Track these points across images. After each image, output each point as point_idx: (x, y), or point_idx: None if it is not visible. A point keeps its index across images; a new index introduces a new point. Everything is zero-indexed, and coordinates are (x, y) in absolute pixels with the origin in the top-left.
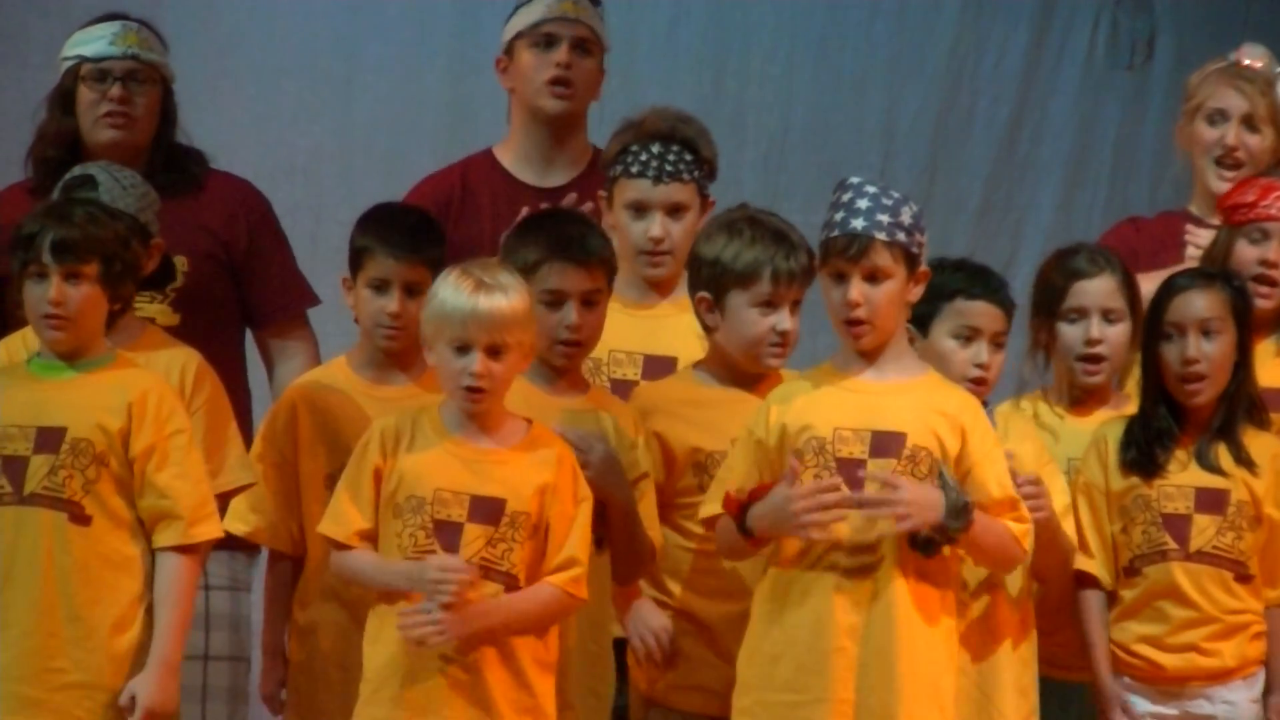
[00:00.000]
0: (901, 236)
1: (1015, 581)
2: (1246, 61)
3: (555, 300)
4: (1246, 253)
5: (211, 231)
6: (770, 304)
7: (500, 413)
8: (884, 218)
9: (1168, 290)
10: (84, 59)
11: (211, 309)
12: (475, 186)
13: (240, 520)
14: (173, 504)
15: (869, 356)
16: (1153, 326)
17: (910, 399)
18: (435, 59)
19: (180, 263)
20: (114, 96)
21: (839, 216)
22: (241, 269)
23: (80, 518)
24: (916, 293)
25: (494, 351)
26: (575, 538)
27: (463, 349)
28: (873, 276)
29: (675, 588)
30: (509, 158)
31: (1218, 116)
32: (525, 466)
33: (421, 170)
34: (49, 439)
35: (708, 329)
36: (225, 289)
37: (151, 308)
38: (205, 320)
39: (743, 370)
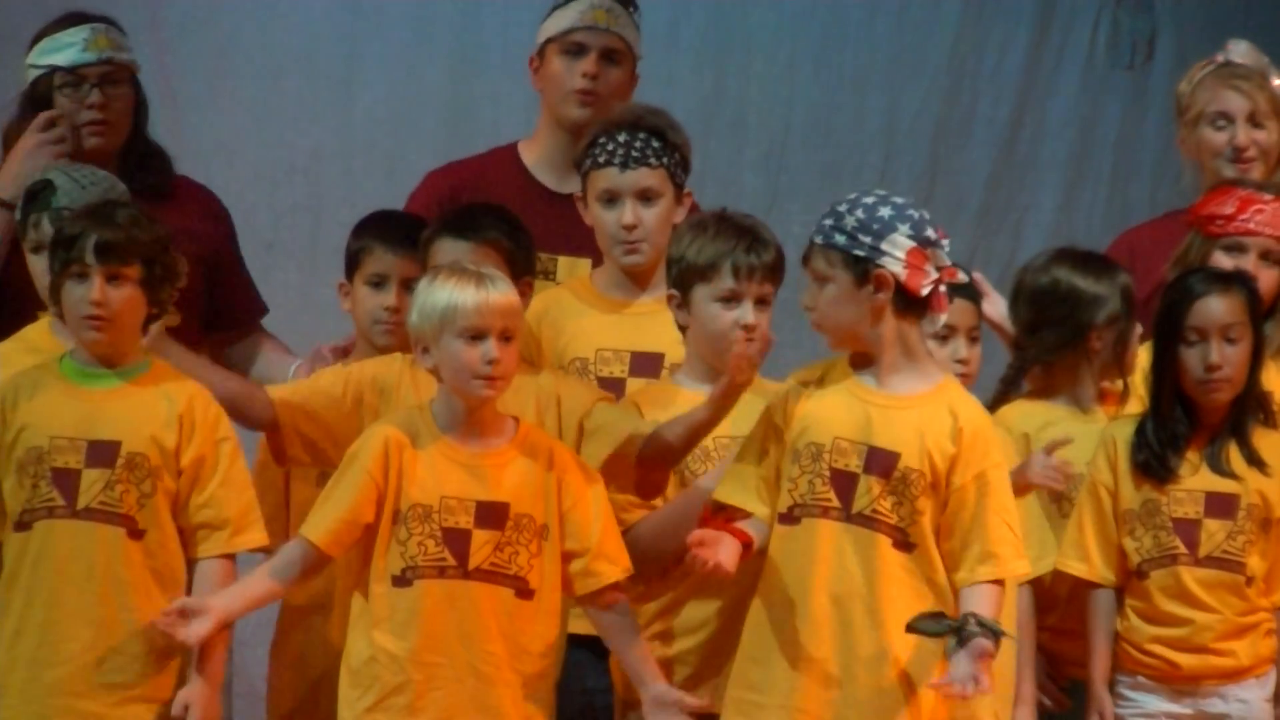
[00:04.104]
0: None
1: None
2: (1236, 59)
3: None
4: (1223, 264)
5: (192, 234)
6: (733, 298)
7: (495, 411)
8: None
9: (1185, 294)
10: (57, 68)
11: (185, 310)
12: (491, 182)
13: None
14: (216, 513)
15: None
16: (1170, 330)
17: (916, 414)
18: (435, 59)
19: None
20: (93, 104)
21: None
22: (212, 273)
23: (135, 532)
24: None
25: (506, 337)
26: (599, 523)
27: (477, 337)
28: None
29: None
30: (531, 157)
31: (1221, 119)
32: (524, 468)
33: (422, 170)
34: (102, 453)
35: (682, 329)
36: (198, 291)
37: None
38: (182, 322)
39: (718, 368)
